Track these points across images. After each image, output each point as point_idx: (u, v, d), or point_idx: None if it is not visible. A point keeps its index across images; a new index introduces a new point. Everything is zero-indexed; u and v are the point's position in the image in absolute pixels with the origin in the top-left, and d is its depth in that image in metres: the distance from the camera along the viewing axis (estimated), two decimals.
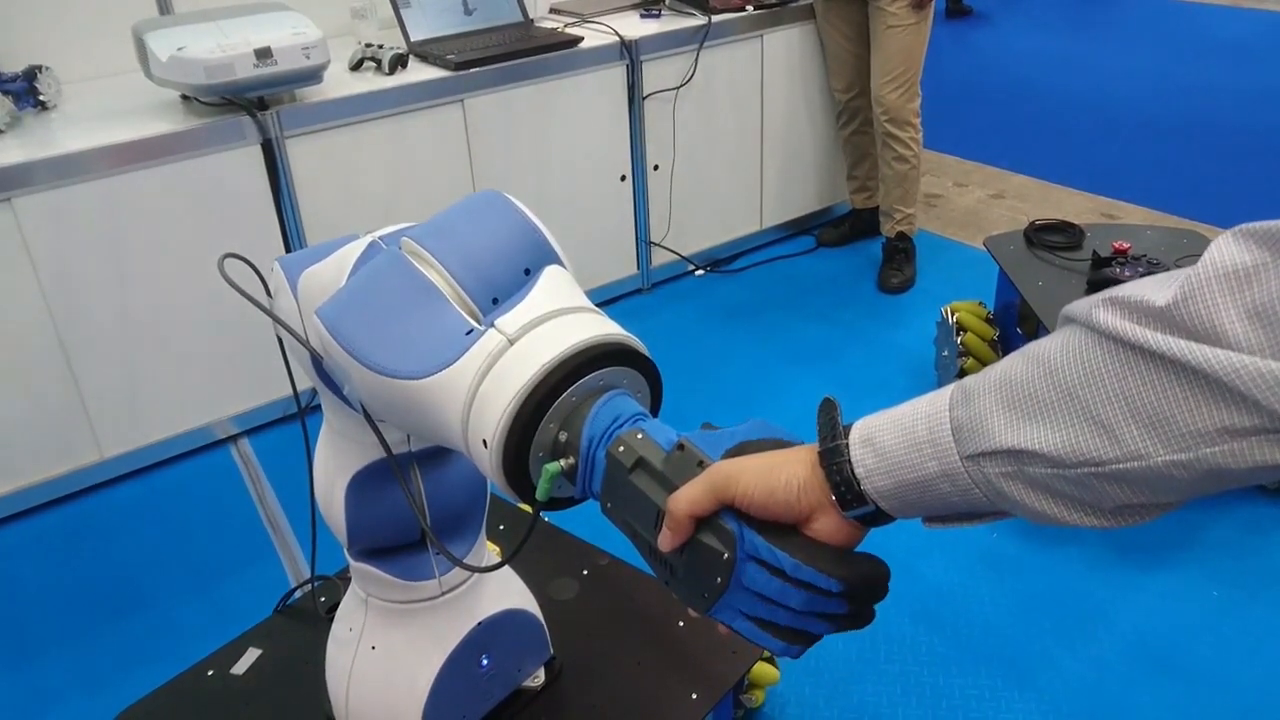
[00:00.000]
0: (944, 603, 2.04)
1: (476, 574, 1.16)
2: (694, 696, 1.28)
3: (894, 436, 0.62)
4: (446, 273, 0.80)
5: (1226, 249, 0.51)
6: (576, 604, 1.44)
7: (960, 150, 4.51)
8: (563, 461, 0.73)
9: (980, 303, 2.65)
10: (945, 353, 2.64)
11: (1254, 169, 4.24)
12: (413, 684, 1.12)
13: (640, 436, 0.70)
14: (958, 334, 2.53)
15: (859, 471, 0.62)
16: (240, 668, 1.36)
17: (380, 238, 0.91)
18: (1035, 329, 2.34)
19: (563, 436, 0.73)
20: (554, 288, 0.80)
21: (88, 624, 2.11)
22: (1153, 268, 2.28)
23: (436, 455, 1.05)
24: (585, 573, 1.49)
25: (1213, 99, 5.07)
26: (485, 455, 0.73)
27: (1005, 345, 2.57)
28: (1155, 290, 0.53)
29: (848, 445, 0.63)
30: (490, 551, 1.21)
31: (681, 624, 1.39)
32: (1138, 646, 1.93)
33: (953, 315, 2.58)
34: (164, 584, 2.20)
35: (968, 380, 0.62)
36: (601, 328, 0.75)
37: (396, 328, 0.79)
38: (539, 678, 1.29)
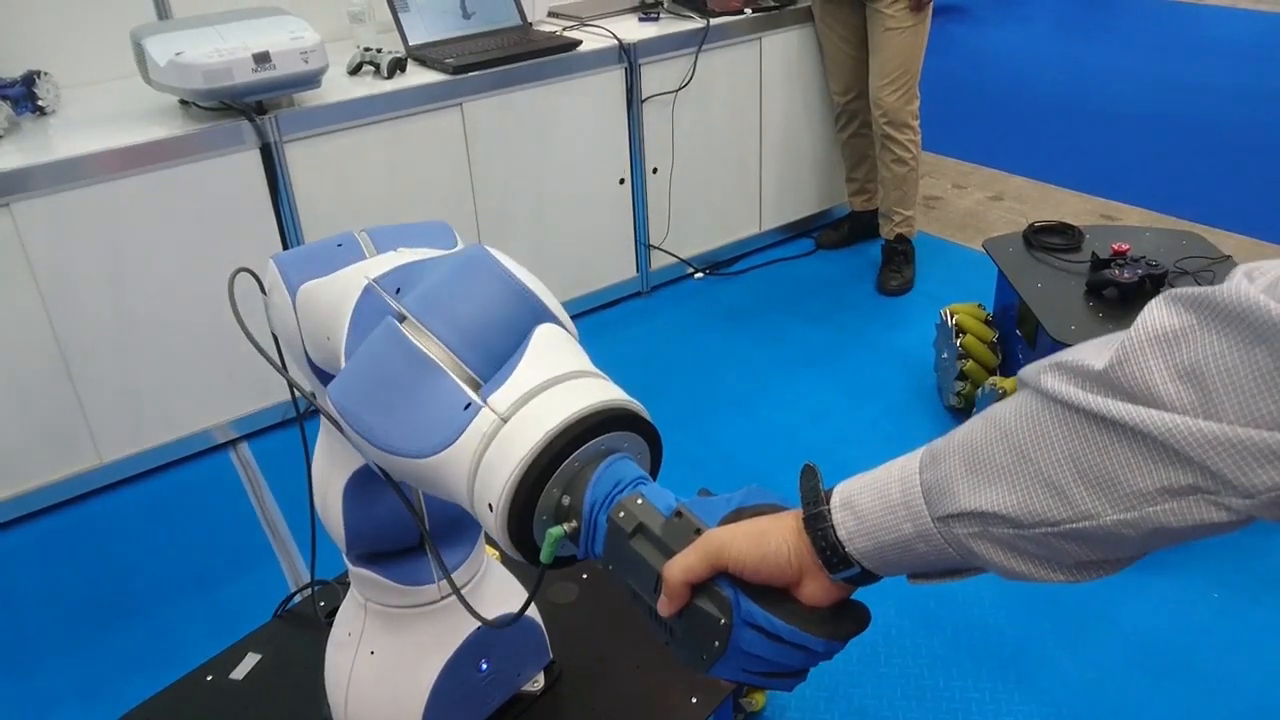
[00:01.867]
0: (944, 605, 2.04)
1: (476, 579, 1.16)
2: (694, 700, 1.28)
3: (871, 499, 0.64)
4: (443, 345, 0.82)
5: (1158, 313, 0.53)
6: (576, 608, 1.44)
7: (959, 152, 4.51)
8: (566, 526, 0.75)
9: (979, 305, 2.65)
10: (944, 355, 2.64)
11: (1253, 170, 4.25)
12: (412, 688, 1.12)
13: (640, 502, 0.72)
14: (957, 336, 2.53)
15: (841, 535, 0.65)
16: (239, 673, 1.36)
17: (376, 280, 0.92)
18: (1034, 331, 2.34)
19: (566, 500, 0.76)
20: (545, 353, 0.82)
21: (87, 629, 2.11)
22: (1151, 269, 2.28)
23: None
24: (585, 577, 1.49)
25: (1211, 100, 5.07)
26: (491, 519, 0.75)
27: (1004, 347, 2.57)
28: (1095, 355, 0.55)
29: (830, 510, 0.66)
30: (489, 556, 1.21)
31: None
32: (1139, 649, 1.93)
33: (952, 317, 2.58)
34: (163, 589, 2.20)
35: (936, 443, 0.64)
36: (602, 394, 0.77)
37: (400, 407, 0.81)
38: (538, 682, 1.29)
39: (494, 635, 1.17)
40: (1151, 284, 2.27)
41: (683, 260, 3.41)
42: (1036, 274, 2.44)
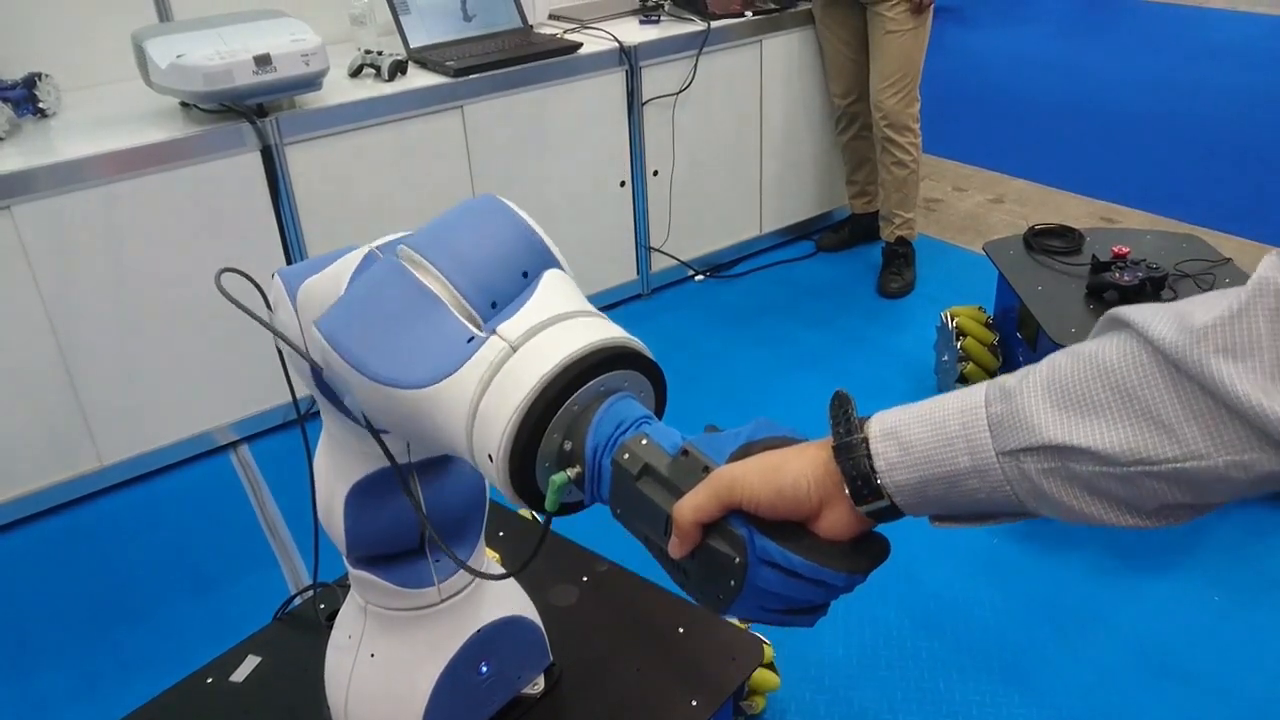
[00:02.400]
0: (945, 607, 2.04)
1: (476, 581, 1.16)
2: (694, 703, 1.28)
3: (922, 430, 0.62)
4: (445, 279, 0.79)
5: (1274, 268, 0.53)
6: (576, 610, 1.44)
7: (959, 155, 4.51)
8: (569, 471, 0.73)
9: (980, 307, 2.65)
10: (945, 357, 2.64)
11: (1253, 172, 4.25)
12: (412, 691, 1.12)
13: (645, 442, 0.70)
14: (957, 339, 2.53)
15: (879, 465, 0.62)
16: (240, 675, 1.36)
17: (377, 247, 0.91)
18: (1035, 333, 2.34)
19: (567, 446, 0.73)
20: (554, 292, 0.79)
21: (87, 631, 2.11)
22: (1151, 271, 2.28)
23: (435, 464, 1.05)
24: (585, 579, 1.49)
25: (1212, 102, 5.07)
26: (492, 469, 0.73)
27: (1005, 349, 2.57)
28: (1204, 308, 0.55)
29: (866, 439, 0.63)
30: (490, 559, 1.21)
31: (681, 630, 1.39)
32: (1139, 651, 1.92)
33: (952, 320, 2.58)
34: (163, 591, 2.20)
35: (1004, 378, 0.62)
36: (601, 332, 0.75)
37: (397, 337, 0.78)
38: (539, 685, 1.29)
39: (494, 638, 1.17)
40: (1151, 287, 2.27)
41: (683, 263, 3.41)
42: (1037, 276, 2.44)
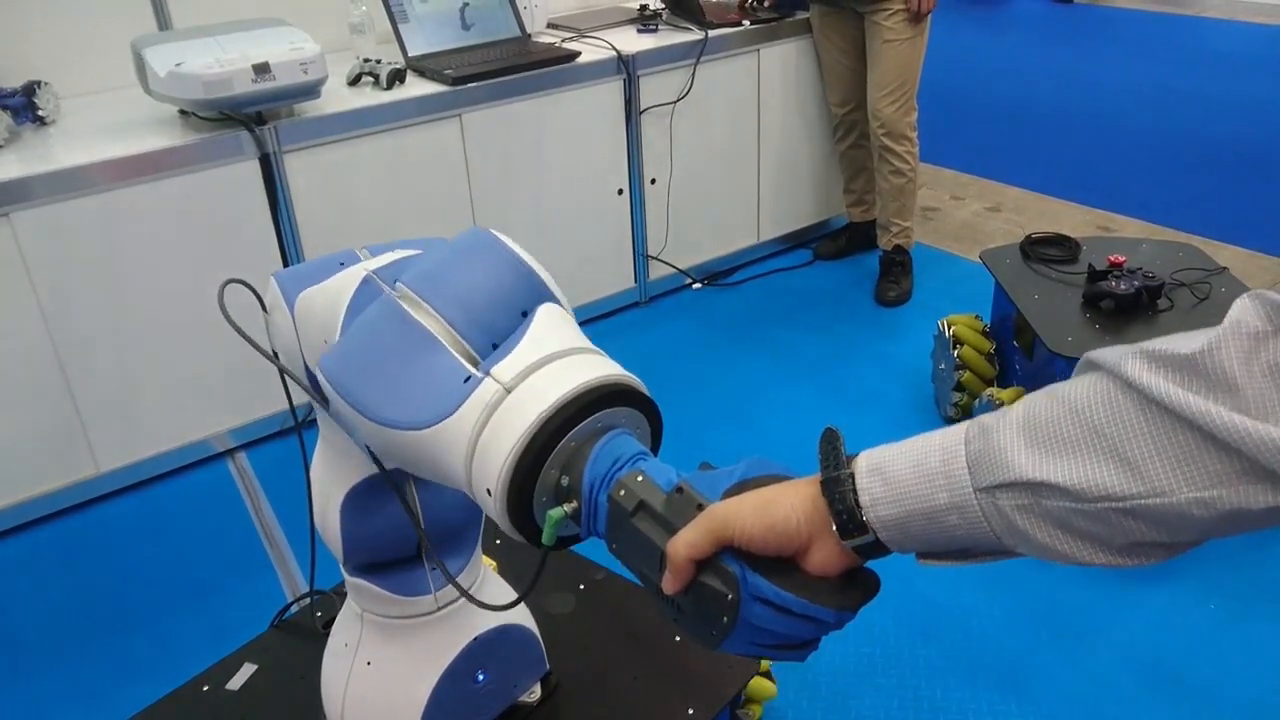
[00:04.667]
0: (942, 616, 2.04)
1: (473, 589, 1.16)
2: (691, 712, 1.28)
3: (905, 466, 0.63)
4: (441, 318, 0.80)
5: (1246, 311, 0.55)
6: (573, 619, 1.44)
7: (957, 163, 4.52)
8: (566, 507, 0.74)
9: (977, 315, 2.65)
10: (942, 366, 2.65)
11: (1250, 182, 4.26)
12: (408, 699, 1.12)
13: (640, 479, 0.71)
14: (954, 347, 2.54)
15: (864, 500, 0.64)
16: (236, 683, 1.36)
17: (375, 271, 0.91)
18: (1031, 342, 2.35)
19: (564, 481, 0.74)
20: (549, 329, 0.80)
21: (83, 639, 2.10)
22: (1148, 280, 2.29)
23: None
24: (582, 587, 1.49)
25: (1209, 112, 5.09)
26: (490, 503, 0.74)
27: (1002, 358, 2.57)
28: (1184, 342, 0.56)
29: (852, 475, 0.65)
30: (486, 566, 1.21)
31: (678, 639, 1.39)
32: (1135, 660, 1.92)
33: (949, 328, 2.59)
34: (160, 598, 2.20)
35: (984, 417, 0.63)
36: (597, 369, 0.76)
37: (396, 379, 0.79)
38: (535, 693, 1.29)
39: (491, 646, 1.17)
40: (1148, 296, 2.28)
41: (681, 271, 3.41)
42: (1034, 285, 2.45)
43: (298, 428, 1.13)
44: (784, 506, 0.66)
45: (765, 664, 1.73)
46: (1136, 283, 2.28)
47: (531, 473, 0.73)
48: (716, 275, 3.54)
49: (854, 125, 3.43)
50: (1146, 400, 0.56)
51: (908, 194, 3.31)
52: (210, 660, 1.41)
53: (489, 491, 0.74)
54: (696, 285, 3.50)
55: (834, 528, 0.65)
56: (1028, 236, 2.63)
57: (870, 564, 0.68)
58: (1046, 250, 2.58)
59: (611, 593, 1.48)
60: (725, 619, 0.66)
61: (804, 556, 0.66)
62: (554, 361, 0.76)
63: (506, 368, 0.76)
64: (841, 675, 1.91)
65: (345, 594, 1.17)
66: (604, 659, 1.36)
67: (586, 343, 0.81)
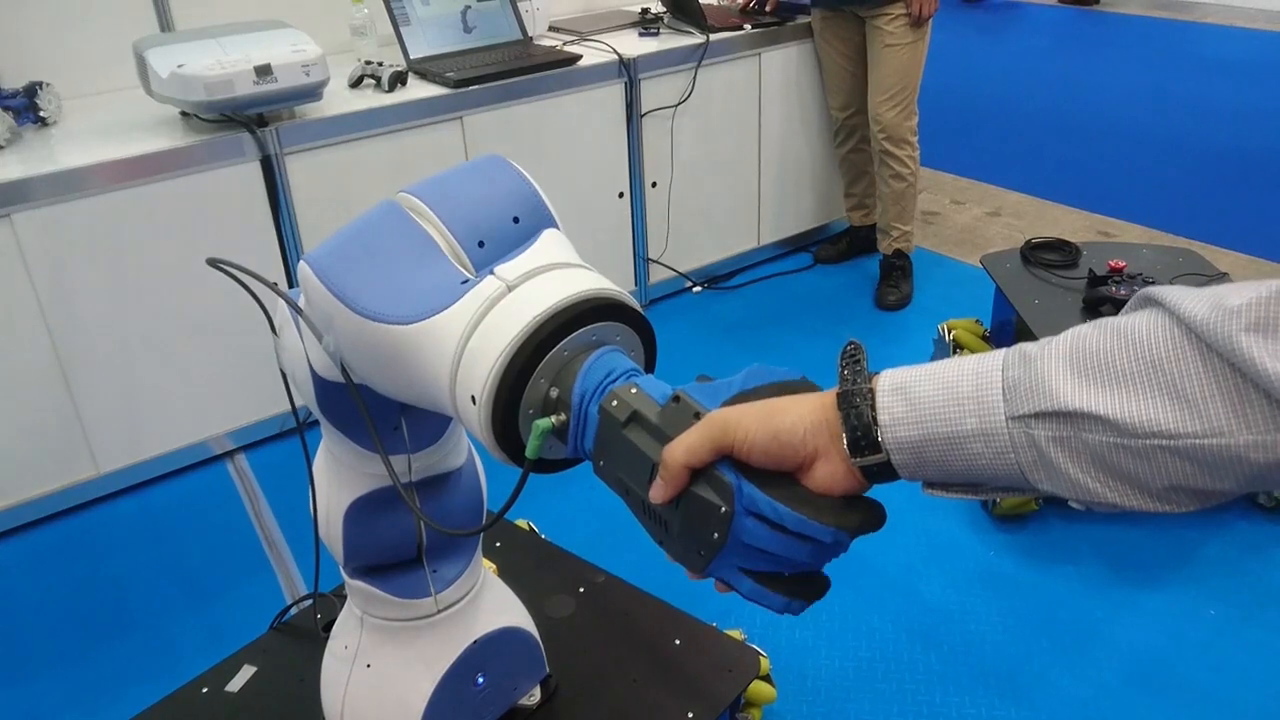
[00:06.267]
0: (941, 621, 2.04)
1: (473, 592, 1.16)
2: (690, 715, 1.28)
3: (932, 388, 0.60)
4: (443, 226, 0.78)
5: None
6: (573, 622, 1.44)
7: (957, 168, 4.53)
8: (554, 418, 0.71)
9: (976, 320, 2.66)
10: None
11: (1250, 187, 4.26)
12: (408, 702, 1.12)
13: (634, 390, 0.68)
14: (954, 351, 2.54)
15: (883, 418, 0.61)
16: (235, 685, 1.36)
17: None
18: None
19: (554, 393, 0.71)
20: (553, 245, 0.79)
21: (83, 640, 2.10)
22: (1148, 285, 2.29)
23: (435, 482, 1.06)
24: (581, 590, 1.49)
25: (1209, 117, 5.10)
26: (473, 412, 0.71)
27: None
28: (1238, 292, 0.54)
29: (873, 390, 0.62)
30: (487, 569, 1.21)
31: (678, 642, 1.39)
32: (1134, 665, 1.92)
33: (949, 332, 2.59)
34: (159, 600, 2.20)
35: (1025, 345, 0.61)
36: (597, 283, 0.74)
37: (389, 275, 0.77)
38: (535, 696, 1.29)
39: (491, 649, 1.17)
40: None
41: (681, 274, 3.41)
42: (1033, 290, 2.45)
43: (300, 429, 1.13)
44: (791, 415, 0.63)
45: (765, 668, 1.73)
46: (1136, 287, 2.28)
47: (521, 380, 0.69)
48: (717, 279, 3.54)
49: (855, 129, 3.43)
50: (1202, 341, 0.54)
51: (908, 198, 3.31)
52: (209, 662, 1.41)
53: (473, 399, 0.70)
54: (697, 289, 3.50)
55: (845, 444, 0.61)
56: (1028, 241, 2.64)
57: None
58: (1047, 255, 2.58)
59: (611, 596, 1.48)
60: (715, 535, 0.62)
61: (805, 473, 0.63)
62: (556, 270, 0.74)
63: (510, 269, 0.74)
64: (840, 679, 1.91)
65: (345, 596, 1.17)
66: (604, 662, 1.36)
67: (586, 264, 0.79)
